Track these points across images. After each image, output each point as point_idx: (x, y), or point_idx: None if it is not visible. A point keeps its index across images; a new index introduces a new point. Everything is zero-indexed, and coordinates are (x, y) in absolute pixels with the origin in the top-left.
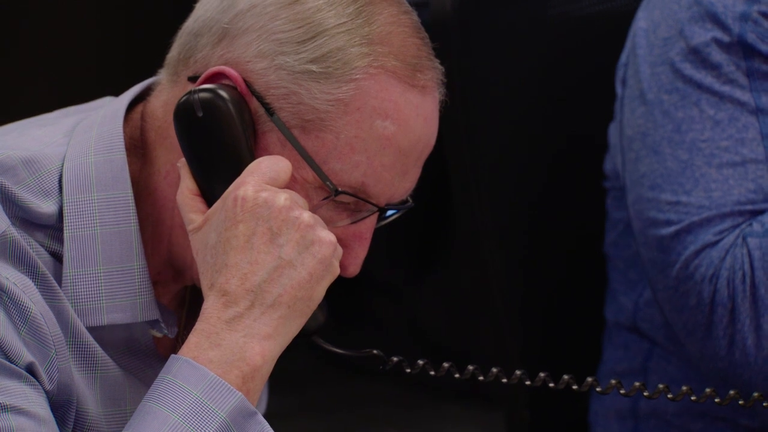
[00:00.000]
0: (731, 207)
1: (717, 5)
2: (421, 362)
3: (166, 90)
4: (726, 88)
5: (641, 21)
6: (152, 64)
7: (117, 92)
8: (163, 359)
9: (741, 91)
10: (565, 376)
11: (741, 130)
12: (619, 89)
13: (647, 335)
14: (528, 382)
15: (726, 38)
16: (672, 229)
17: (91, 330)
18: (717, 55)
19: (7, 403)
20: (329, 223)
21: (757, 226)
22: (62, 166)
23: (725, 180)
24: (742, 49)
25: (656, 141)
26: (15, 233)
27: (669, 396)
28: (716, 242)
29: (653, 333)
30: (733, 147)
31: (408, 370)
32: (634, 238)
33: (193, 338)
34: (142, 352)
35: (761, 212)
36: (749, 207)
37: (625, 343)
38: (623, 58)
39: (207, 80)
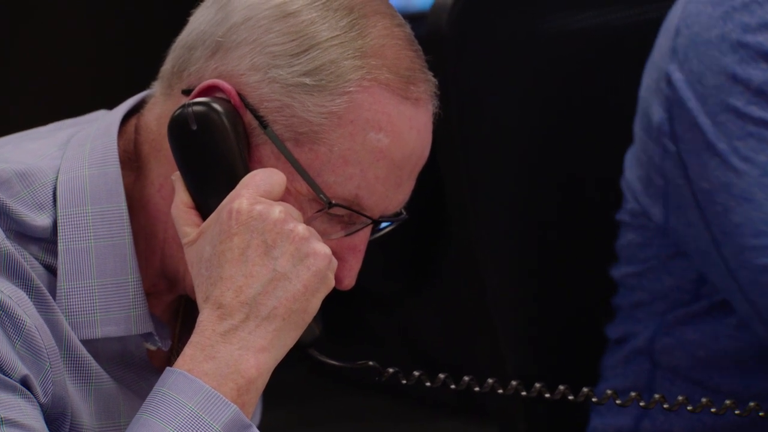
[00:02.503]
0: None
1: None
2: (416, 373)
3: (160, 103)
4: None
5: (676, 73)
6: (146, 77)
7: (111, 105)
8: (157, 372)
9: None
10: (561, 387)
11: None
12: (669, 145)
13: (665, 364)
14: (524, 393)
15: None
16: None
17: (85, 343)
18: None
19: (2, 415)
20: (323, 236)
21: None
22: (56, 179)
23: None
24: None
25: (745, 189)
26: (9, 246)
27: (665, 406)
28: None
29: (674, 362)
30: None
31: (404, 382)
32: (740, 286)
33: (188, 351)
34: (136, 365)
35: None
36: None
37: (628, 363)
38: (659, 113)
39: (201, 93)
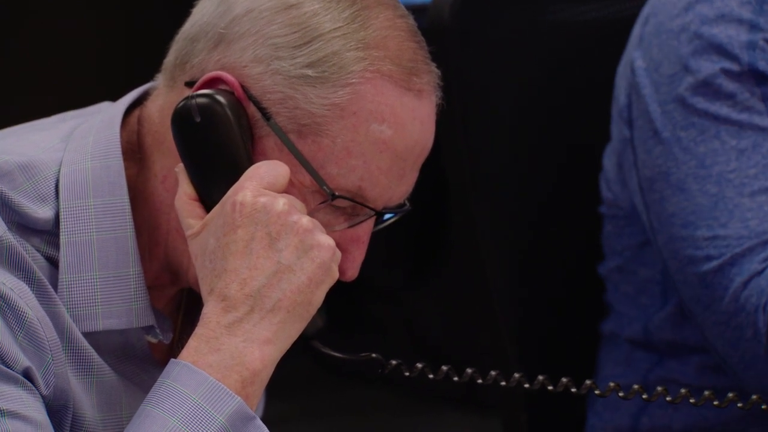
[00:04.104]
0: None
1: (720, 36)
2: (419, 365)
3: (163, 95)
4: (744, 116)
5: (638, 60)
6: (150, 69)
7: (115, 97)
8: (158, 364)
9: (760, 117)
10: (564, 379)
11: (767, 155)
12: (625, 131)
13: (657, 350)
14: (527, 385)
15: (735, 68)
16: (714, 264)
17: (87, 335)
18: (729, 85)
19: (4, 407)
20: (327, 227)
21: None
22: (59, 172)
23: (760, 207)
24: (754, 76)
25: (680, 179)
26: (11, 238)
27: (668, 399)
28: (762, 270)
29: (665, 348)
30: (762, 173)
31: (407, 374)
32: (672, 276)
33: (192, 343)
34: (138, 358)
35: None
36: None
37: (625, 359)
38: (621, 99)
39: (204, 85)
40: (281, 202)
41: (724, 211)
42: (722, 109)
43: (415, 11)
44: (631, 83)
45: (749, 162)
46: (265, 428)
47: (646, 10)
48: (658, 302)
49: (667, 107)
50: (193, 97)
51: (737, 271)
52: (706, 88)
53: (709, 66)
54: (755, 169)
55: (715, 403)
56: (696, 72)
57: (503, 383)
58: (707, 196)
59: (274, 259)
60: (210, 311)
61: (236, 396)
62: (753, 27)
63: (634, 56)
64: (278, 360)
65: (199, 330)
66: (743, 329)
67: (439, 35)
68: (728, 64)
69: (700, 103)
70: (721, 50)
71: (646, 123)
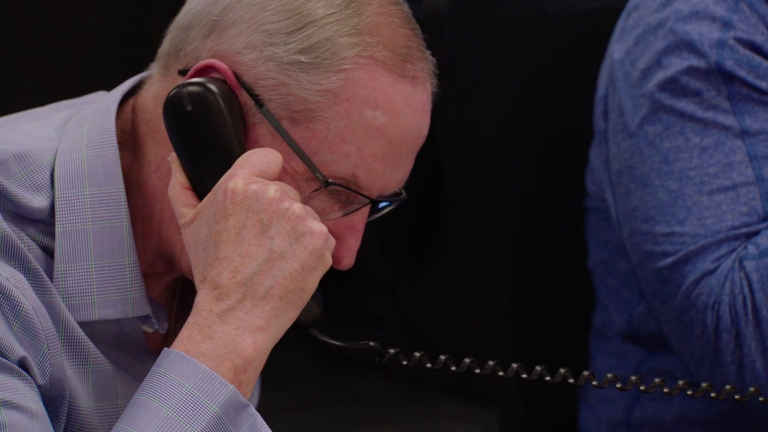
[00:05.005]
0: (726, 233)
1: (692, 33)
2: (417, 354)
3: (157, 83)
4: (709, 114)
5: (617, 53)
6: (145, 59)
7: (110, 86)
8: (153, 354)
9: (724, 116)
10: (562, 370)
11: (728, 155)
12: (601, 123)
13: (643, 343)
14: (524, 376)
15: (703, 65)
16: (669, 260)
17: (82, 325)
18: (695, 83)
19: (0, 397)
20: (321, 215)
21: (752, 248)
22: (54, 161)
23: (717, 206)
24: (721, 75)
25: (645, 173)
26: (7, 228)
27: (665, 390)
28: (714, 269)
29: (651, 341)
30: (722, 172)
31: (404, 363)
32: (634, 270)
33: (185, 331)
34: (133, 347)
35: (756, 233)
36: (744, 230)
37: (617, 351)
38: (601, 90)
39: (197, 73)
40: (273, 189)
41: (682, 208)
42: (688, 107)
43: (411, 0)
44: (609, 75)
45: (710, 160)
46: (258, 416)
47: (630, 4)
48: (637, 295)
49: (637, 101)
50: (184, 85)
51: (690, 269)
52: (674, 84)
53: (678, 63)
54: (716, 168)
55: (713, 395)
56: (666, 68)
57: (501, 373)
58: (668, 192)
59: (265, 246)
60: (202, 299)
61: (229, 384)
62: (725, 25)
63: (614, 49)
64: (271, 348)
65: (192, 318)
66: (693, 326)
67: (435, 24)
68: (696, 62)
69: (667, 99)
70: (691, 47)
71: (619, 116)
